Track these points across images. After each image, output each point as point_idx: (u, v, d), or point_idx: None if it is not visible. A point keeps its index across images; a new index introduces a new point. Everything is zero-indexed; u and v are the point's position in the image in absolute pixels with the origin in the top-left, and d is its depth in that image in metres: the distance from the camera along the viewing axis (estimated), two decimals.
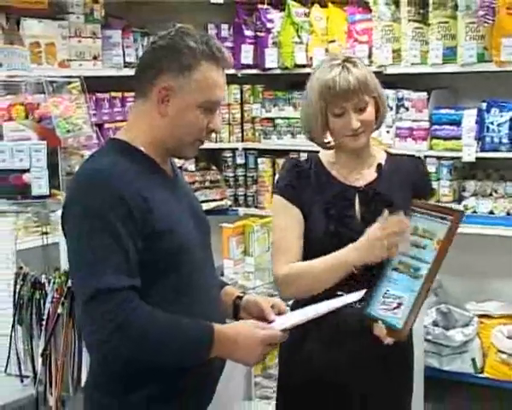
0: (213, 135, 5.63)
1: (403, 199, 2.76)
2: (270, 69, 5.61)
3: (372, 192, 2.80)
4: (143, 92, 2.36)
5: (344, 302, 2.57)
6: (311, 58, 5.36)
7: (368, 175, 2.84)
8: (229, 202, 5.90)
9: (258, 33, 5.64)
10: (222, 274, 4.15)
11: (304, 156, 5.07)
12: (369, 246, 2.62)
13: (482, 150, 4.81)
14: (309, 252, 2.80)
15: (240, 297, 2.58)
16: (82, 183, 2.30)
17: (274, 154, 5.69)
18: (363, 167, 2.84)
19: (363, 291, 2.62)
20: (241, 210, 5.84)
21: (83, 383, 3.10)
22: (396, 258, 2.63)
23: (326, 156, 2.89)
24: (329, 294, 2.63)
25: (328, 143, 2.85)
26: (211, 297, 2.43)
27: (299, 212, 2.80)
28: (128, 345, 2.17)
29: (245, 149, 5.88)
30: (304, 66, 5.40)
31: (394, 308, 2.55)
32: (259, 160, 5.82)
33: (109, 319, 2.15)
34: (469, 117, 4.83)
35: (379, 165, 2.86)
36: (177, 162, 2.66)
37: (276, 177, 3.11)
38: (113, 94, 5.34)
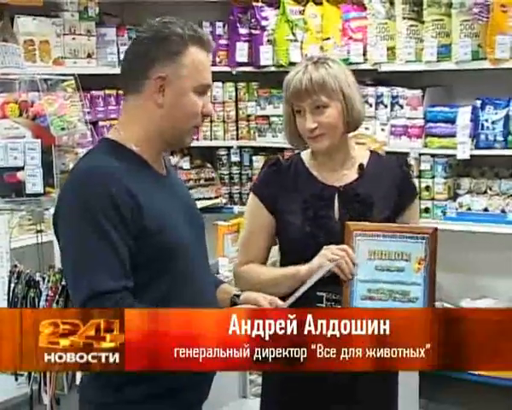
0: (208, 133, 5.74)
1: (385, 200, 2.77)
2: (264, 67, 5.61)
3: (352, 193, 2.79)
4: (135, 88, 2.36)
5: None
6: (305, 56, 5.35)
7: (349, 175, 2.83)
8: (224, 200, 5.90)
9: (253, 31, 5.63)
10: (217, 272, 4.15)
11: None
12: (318, 257, 2.66)
13: (477, 148, 4.82)
14: (287, 252, 2.82)
15: (237, 295, 2.58)
16: (73, 184, 2.32)
17: (269, 151, 5.69)
18: (342, 168, 2.83)
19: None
20: (236, 208, 5.83)
21: (78, 382, 3.10)
22: (357, 286, 2.63)
23: (307, 156, 2.88)
24: (309, 295, 2.64)
25: (302, 143, 2.86)
26: (205, 293, 2.43)
27: (269, 214, 2.83)
28: None
29: (240, 147, 5.88)
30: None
31: None
32: (254, 158, 5.82)
33: None
34: (464, 115, 4.83)
35: (360, 165, 2.84)
36: (172, 161, 2.67)
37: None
38: (108, 92, 5.33)
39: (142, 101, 2.36)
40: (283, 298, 2.64)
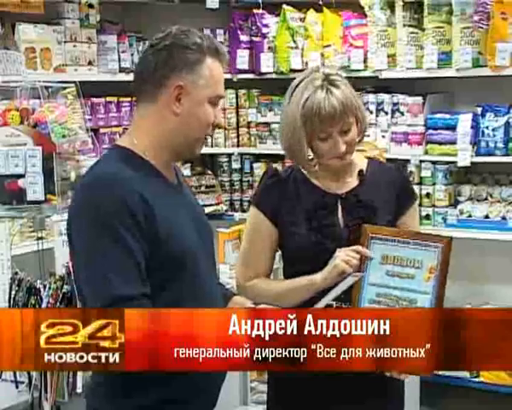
0: (209, 140, 5.74)
1: (386, 205, 2.76)
2: (265, 74, 5.62)
3: (354, 199, 2.77)
4: (151, 96, 2.34)
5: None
6: (306, 63, 5.37)
7: (350, 182, 2.80)
8: (225, 207, 5.91)
9: (254, 38, 5.65)
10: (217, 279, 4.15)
11: None
12: (331, 262, 2.64)
13: (477, 155, 4.84)
14: (293, 262, 2.79)
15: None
16: (87, 192, 2.30)
17: (270, 158, 5.70)
18: (344, 175, 2.80)
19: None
20: (237, 215, 5.84)
21: (78, 389, 3.10)
22: (366, 289, 2.62)
23: None
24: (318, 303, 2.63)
25: (312, 162, 2.78)
26: (210, 302, 2.40)
27: (272, 226, 2.79)
28: None
29: (240, 154, 5.88)
30: (299, 70, 5.39)
31: None
32: (255, 164, 5.83)
33: None
34: (464, 122, 4.84)
35: (360, 171, 2.82)
36: None
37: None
38: (109, 99, 5.34)
39: (157, 109, 2.34)
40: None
